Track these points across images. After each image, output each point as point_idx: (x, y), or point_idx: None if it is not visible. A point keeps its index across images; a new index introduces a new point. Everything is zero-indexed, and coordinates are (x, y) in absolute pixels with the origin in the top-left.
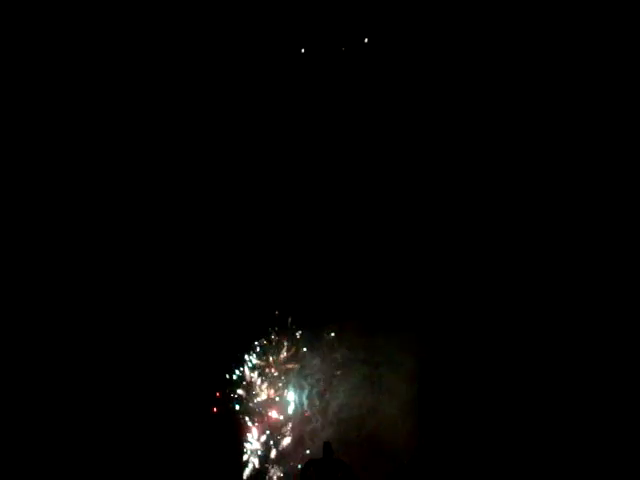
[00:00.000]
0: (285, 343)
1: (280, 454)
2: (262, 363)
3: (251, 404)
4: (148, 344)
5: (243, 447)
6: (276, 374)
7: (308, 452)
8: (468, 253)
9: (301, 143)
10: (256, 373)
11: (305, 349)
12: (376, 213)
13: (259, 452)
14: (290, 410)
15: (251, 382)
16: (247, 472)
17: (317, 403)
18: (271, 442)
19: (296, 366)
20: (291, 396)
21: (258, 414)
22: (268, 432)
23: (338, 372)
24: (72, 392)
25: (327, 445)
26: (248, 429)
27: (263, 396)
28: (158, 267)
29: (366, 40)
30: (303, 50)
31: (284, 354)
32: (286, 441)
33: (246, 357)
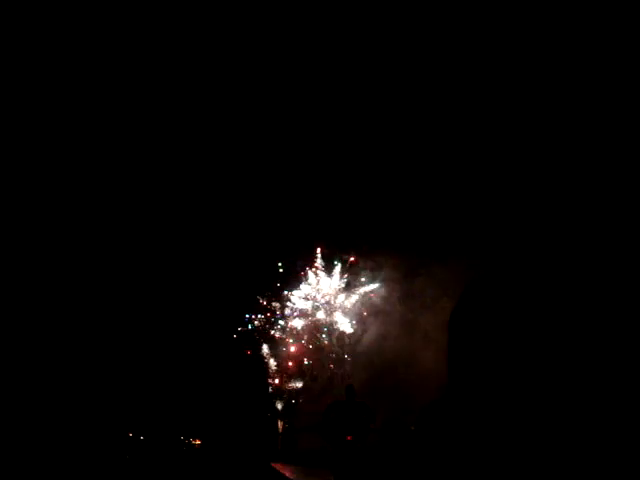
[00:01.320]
0: (317, 279)
1: (309, 396)
2: (291, 303)
3: (281, 345)
4: (180, 294)
5: (269, 389)
6: (307, 314)
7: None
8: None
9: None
10: (286, 311)
11: (339, 287)
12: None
13: (287, 394)
14: (321, 352)
15: (283, 322)
16: (275, 413)
17: (348, 344)
18: (300, 384)
19: (330, 305)
20: (322, 337)
21: (288, 355)
22: (297, 375)
23: (372, 313)
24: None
25: (350, 388)
26: (277, 371)
27: (293, 338)
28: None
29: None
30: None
31: (317, 292)
32: (315, 383)
33: (268, 300)
